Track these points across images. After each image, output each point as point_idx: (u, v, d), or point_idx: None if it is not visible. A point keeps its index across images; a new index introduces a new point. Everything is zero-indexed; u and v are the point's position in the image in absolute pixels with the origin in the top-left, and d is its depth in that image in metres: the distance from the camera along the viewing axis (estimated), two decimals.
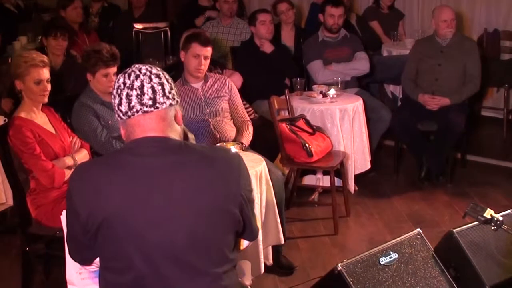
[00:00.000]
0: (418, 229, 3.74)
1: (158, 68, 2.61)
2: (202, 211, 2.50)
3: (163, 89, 2.55)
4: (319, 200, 6.47)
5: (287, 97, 6.18)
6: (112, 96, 2.58)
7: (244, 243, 2.89)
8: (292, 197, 6.23)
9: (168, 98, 2.55)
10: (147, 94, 2.51)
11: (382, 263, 3.49)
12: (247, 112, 5.91)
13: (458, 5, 9.06)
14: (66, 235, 2.72)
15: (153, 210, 2.46)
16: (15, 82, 4.55)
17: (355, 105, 6.37)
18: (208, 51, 5.38)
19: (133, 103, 2.52)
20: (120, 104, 2.54)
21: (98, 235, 2.50)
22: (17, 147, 4.42)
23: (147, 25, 8.87)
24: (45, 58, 4.63)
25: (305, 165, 5.93)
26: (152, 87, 2.52)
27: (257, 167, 4.60)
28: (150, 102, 2.52)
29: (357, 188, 6.61)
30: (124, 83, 2.54)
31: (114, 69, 4.98)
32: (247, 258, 4.58)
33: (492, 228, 3.52)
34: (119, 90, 2.55)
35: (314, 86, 6.80)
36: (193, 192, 2.49)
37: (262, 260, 4.65)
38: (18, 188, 4.55)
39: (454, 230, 3.75)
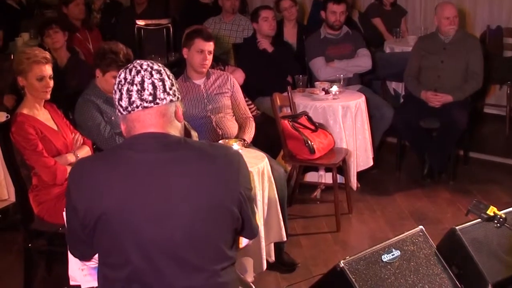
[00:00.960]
0: (421, 226, 3.74)
1: (160, 64, 2.61)
2: (200, 208, 2.49)
3: (164, 85, 2.55)
4: (321, 197, 6.47)
5: (290, 94, 6.18)
6: (113, 91, 2.59)
7: (243, 242, 2.88)
8: (294, 194, 6.23)
9: (168, 94, 2.56)
10: (148, 89, 2.52)
11: (384, 260, 3.49)
12: (249, 108, 5.90)
13: (461, 2, 9.04)
14: (66, 231, 2.72)
15: (150, 206, 2.46)
16: (17, 78, 4.55)
17: (357, 102, 6.36)
18: (211, 45, 5.38)
19: (133, 98, 2.52)
20: (120, 99, 2.55)
21: (96, 230, 2.50)
22: (19, 144, 4.42)
23: (149, 22, 8.87)
24: (47, 54, 4.63)
25: (307, 162, 5.93)
26: (153, 83, 2.53)
27: (259, 164, 4.60)
28: (150, 98, 2.52)
29: (359, 185, 6.61)
30: (125, 78, 2.54)
31: None
32: (249, 255, 4.59)
33: (495, 225, 3.51)
34: (120, 85, 2.55)
35: (317, 83, 6.80)
36: (192, 188, 2.49)
37: (264, 257, 4.65)
38: (21, 185, 4.56)
39: (457, 228, 3.74)
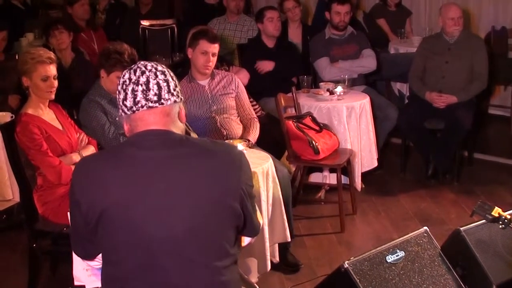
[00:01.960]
0: (425, 227, 3.73)
1: (163, 66, 2.64)
2: (201, 204, 2.51)
3: (168, 86, 2.57)
4: (325, 197, 6.47)
5: (294, 94, 6.18)
6: (117, 92, 2.60)
7: (246, 240, 2.88)
8: (298, 194, 6.22)
9: (172, 95, 2.58)
10: (153, 89, 2.54)
11: (388, 261, 3.49)
12: (254, 109, 5.90)
13: (465, 3, 9.04)
14: (70, 229, 2.73)
15: (152, 203, 2.48)
16: (22, 78, 4.56)
17: (362, 103, 6.36)
18: (216, 47, 5.37)
19: (138, 98, 2.54)
20: (125, 99, 2.56)
21: (98, 226, 2.52)
22: (24, 144, 4.42)
23: (154, 22, 8.90)
24: (52, 54, 4.63)
25: (311, 163, 5.93)
26: (158, 83, 2.55)
27: (263, 164, 4.60)
28: (155, 98, 2.54)
29: (363, 186, 6.60)
30: (130, 79, 2.56)
31: None
32: (253, 255, 4.59)
33: (500, 226, 3.50)
34: (124, 86, 2.57)
35: (321, 83, 6.80)
36: (193, 185, 2.50)
37: (268, 257, 4.65)
38: (25, 185, 4.56)
39: (461, 228, 3.74)
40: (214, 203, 2.52)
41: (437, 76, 6.77)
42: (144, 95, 2.53)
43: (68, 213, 2.70)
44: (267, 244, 4.60)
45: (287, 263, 5.13)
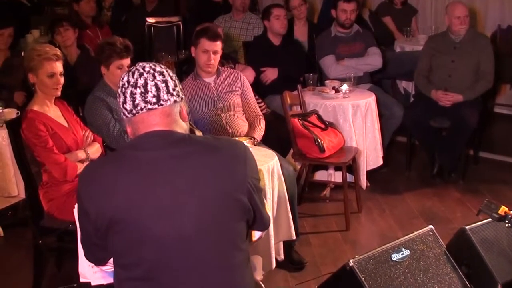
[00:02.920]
0: (430, 226, 3.72)
1: (162, 66, 2.63)
2: (208, 201, 2.50)
3: (167, 86, 2.56)
4: (330, 195, 6.47)
5: (300, 92, 6.17)
6: (117, 95, 2.61)
7: (256, 235, 2.88)
8: (303, 192, 6.23)
9: (172, 95, 2.57)
10: (151, 91, 2.54)
11: (394, 259, 3.48)
12: (260, 107, 5.90)
13: (471, 1, 9.02)
14: (79, 236, 2.75)
15: (160, 203, 2.47)
16: (28, 75, 4.57)
17: (367, 101, 6.36)
18: (217, 45, 5.35)
19: (137, 101, 2.54)
20: (125, 102, 2.57)
21: (108, 232, 2.51)
22: (29, 140, 4.43)
23: (160, 19, 8.89)
24: (58, 51, 4.64)
25: (317, 161, 5.92)
26: (156, 85, 2.54)
27: (269, 162, 4.60)
28: (154, 100, 2.54)
29: (369, 184, 6.60)
30: (128, 82, 2.56)
31: (127, 61, 5.00)
32: (258, 253, 4.58)
33: (506, 225, 3.50)
34: (123, 89, 2.57)
35: (327, 81, 6.80)
36: (199, 182, 2.50)
37: (273, 255, 4.65)
38: (30, 181, 4.57)
39: (467, 227, 3.73)
40: (222, 198, 2.52)
41: (443, 74, 6.76)
42: (143, 98, 2.53)
43: (74, 211, 2.71)
44: (272, 241, 4.61)
45: (292, 261, 5.13)
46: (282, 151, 5.56)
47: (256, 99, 5.88)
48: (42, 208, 4.54)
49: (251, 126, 5.52)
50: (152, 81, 2.54)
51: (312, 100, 6.38)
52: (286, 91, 6.03)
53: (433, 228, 3.72)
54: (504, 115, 8.86)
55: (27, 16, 9.45)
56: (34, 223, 4.56)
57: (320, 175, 6.59)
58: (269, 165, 4.57)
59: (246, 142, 4.82)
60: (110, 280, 2.78)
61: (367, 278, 3.37)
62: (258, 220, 2.73)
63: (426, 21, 9.77)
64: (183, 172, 2.50)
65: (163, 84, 2.56)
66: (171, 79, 2.59)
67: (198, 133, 4.73)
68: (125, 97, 2.56)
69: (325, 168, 6.49)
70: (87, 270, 2.90)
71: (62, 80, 4.57)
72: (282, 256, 4.97)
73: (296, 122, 5.82)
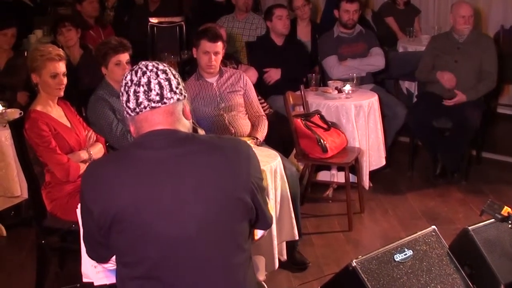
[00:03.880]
0: (433, 226, 3.72)
1: (165, 64, 2.64)
2: (211, 200, 2.51)
3: (170, 84, 2.57)
4: (333, 196, 6.47)
5: (302, 92, 6.17)
6: (120, 94, 2.61)
7: (258, 233, 2.88)
8: (306, 193, 6.22)
9: (175, 93, 2.57)
10: (154, 90, 2.54)
11: (396, 260, 3.48)
12: (262, 107, 5.90)
13: (475, 2, 9.00)
14: (82, 233, 2.75)
15: (163, 202, 2.48)
16: (31, 75, 4.57)
17: (370, 101, 6.36)
18: (217, 46, 5.35)
19: (140, 100, 2.54)
20: (128, 101, 2.57)
21: (111, 230, 2.52)
22: (32, 140, 4.43)
23: (163, 19, 8.89)
24: (61, 51, 4.64)
25: (319, 161, 5.92)
26: (159, 83, 2.55)
27: (272, 162, 4.60)
28: (157, 98, 2.54)
29: (371, 185, 6.60)
30: (131, 80, 2.57)
31: (125, 56, 5.00)
32: (261, 253, 4.58)
33: (509, 226, 3.50)
34: (126, 87, 2.58)
35: (330, 81, 6.80)
36: (202, 182, 2.51)
37: (276, 255, 4.65)
38: (33, 181, 4.57)
39: (469, 228, 3.73)
40: (225, 198, 2.53)
41: None
42: (146, 96, 2.54)
43: (77, 211, 2.71)
44: (275, 242, 4.60)
45: (294, 261, 5.14)
46: (284, 152, 5.56)
47: (259, 99, 5.88)
48: (45, 208, 4.55)
49: (254, 126, 5.51)
50: (155, 79, 2.55)
51: (315, 101, 6.38)
52: (289, 91, 6.03)
53: (436, 228, 3.72)
54: (507, 116, 8.86)
55: (30, 17, 9.46)
56: (37, 223, 4.57)
57: (323, 176, 6.59)
58: (271, 165, 4.57)
59: (249, 142, 4.82)
60: (113, 280, 2.78)
61: (370, 278, 3.37)
62: (260, 219, 2.73)
63: (429, 21, 9.77)
64: (187, 172, 2.50)
65: (166, 82, 2.56)
66: (174, 77, 2.60)
67: (201, 131, 4.74)
68: (128, 95, 2.56)
69: (328, 168, 6.48)
70: (90, 270, 2.90)
71: (65, 80, 4.58)
72: (285, 257, 4.97)
73: (299, 122, 5.82)
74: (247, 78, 5.68)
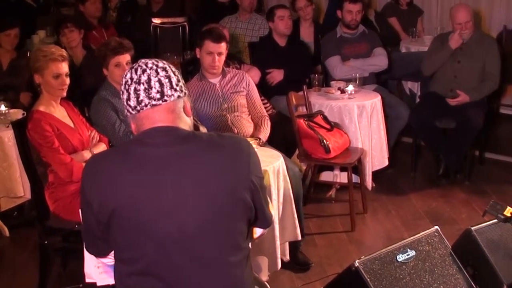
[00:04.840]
0: (436, 227, 3.73)
1: (165, 62, 2.64)
2: (211, 198, 2.51)
3: (170, 81, 2.57)
4: (336, 196, 6.47)
5: (305, 93, 6.17)
6: (121, 92, 2.61)
7: (257, 232, 2.88)
8: (309, 193, 6.23)
9: (175, 90, 2.58)
10: (155, 87, 2.54)
11: (399, 260, 3.48)
12: (265, 107, 5.90)
13: (477, 2, 9.02)
14: (82, 228, 2.74)
15: (162, 199, 2.48)
16: (34, 76, 4.58)
17: (373, 102, 6.36)
18: (221, 47, 5.34)
19: (141, 97, 2.55)
20: (128, 99, 2.57)
21: (110, 225, 2.52)
22: (35, 141, 4.44)
23: (165, 20, 8.89)
24: (64, 52, 4.65)
25: (322, 161, 5.92)
26: (159, 80, 2.55)
27: (274, 162, 4.60)
28: (158, 95, 2.55)
29: (374, 185, 6.59)
30: (132, 78, 2.57)
31: (125, 58, 5.00)
32: (264, 253, 4.59)
33: None
34: (126, 86, 2.58)
35: (332, 82, 6.80)
36: (202, 180, 2.51)
37: (279, 256, 4.65)
38: (36, 182, 4.58)
39: (472, 228, 3.73)
40: (224, 196, 2.53)
41: (449, 75, 6.75)
42: (147, 94, 2.54)
43: (80, 211, 2.71)
44: (278, 242, 4.61)
45: (297, 261, 5.13)
46: (287, 152, 5.56)
47: (262, 100, 5.88)
48: (48, 208, 4.55)
49: (257, 127, 5.51)
50: (155, 77, 2.55)
51: (317, 101, 6.37)
52: (292, 91, 6.03)
53: (439, 229, 3.72)
54: (510, 116, 8.85)
55: (33, 17, 9.47)
56: (40, 223, 4.57)
57: (326, 176, 6.59)
58: (274, 165, 4.57)
59: (252, 143, 4.83)
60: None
61: (372, 279, 3.37)
62: (260, 218, 2.74)
63: (432, 21, 9.76)
64: (187, 170, 2.51)
65: (166, 80, 2.56)
66: (174, 74, 2.60)
67: (203, 129, 4.73)
68: (129, 94, 2.57)
69: (331, 168, 6.49)
70: (92, 270, 2.91)
71: (67, 80, 4.58)
72: (287, 257, 4.98)
73: (302, 122, 5.82)
74: (250, 78, 5.68)
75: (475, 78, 6.68)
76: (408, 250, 3.53)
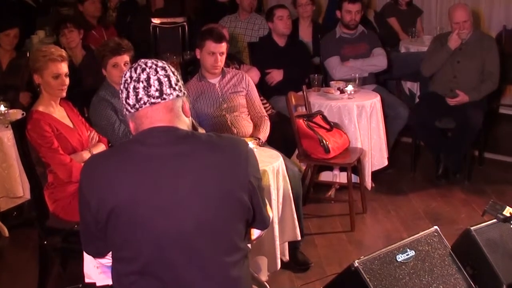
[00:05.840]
0: (435, 227, 3.72)
1: (164, 62, 2.65)
2: (209, 199, 2.52)
3: (169, 81, 2.58)
4: (335, 196, 6.47)
5: (305, 93, 6.17)
6: (120, 91, 2.62)
7: (255, 233, 2.88)
8: (308, 193, 6.22)
9: (174, 89, 2.58)
10: (154, 86, 2.55)
11: (399, 260, 3.48)
12: (265, 107, 5.90)
13: (477, 2, 9.02)
14: (80, 228, 2.74)
15: (161, 199, 2.49)
16: (33, 76, 4.57)
17: (372, 102, 6.36)
18: (222, 47, 5.35)
19: (140, 95, 2.55)
20: (127, 97, 2.58)
21: (108, 224, 2.53)
22: (35, 141, 4.43)
23: (165, 20, 8.89)
24: (63, 52, 4.64)
25: (322, 162, 5.92)
26: (159, 79, 2.56)
27: (274, 163, 4.60)
28: (157, 94, 2.55)
29: (374, 185, 6.60)
30: (131, 77, 2.58)
31: (123, 58, 4.99)
32: (263, 253, 4.59)
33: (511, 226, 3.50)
34: (126, 84, 2.59)
35: (332, 82, 6.80)
36: (200, 180, 2.52)
37: (278, 256, 4.65)
38: (36, 182, 4.58)
39: (472, 228, 3.72)
40: (222, 196, 2.54)
41: (448, 75, 6.75)
42: (146, 92, 2.54)
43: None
44: (277, 242, 4.61)
45: (297, 261, 5.13)
46: (287, 152, 5.56)
47: (261, 100, 5.88)
48: (47, 209, 4.55)
49: (256, 127, 5.51)
50: (154, 75, 2.56)
51: (317, 101, 6.38)
52: (291, 91, 6.03)
53: (438, 229, 3.72)
54: (509, 116, 8.86)
55: (32, 17, 9.47)
56: (39, 223, 4.57)
57: (325, 176, 6.59)
58: (274, 165, 4.57)
59: (251, 143, 4.83)
60: None
61: (372, 278, 3.37)
62: (258, 219, 2.75)
63: (431, 22, 9.77)
64: (185, 170, 2.51)
65: (166, 79, 2.57)
66: (173, 74, 2.61)
67: (201, 130, 4.74)
68: (128, 92, 2.57)
69: (330, 169, 6.49)
70: (92, 270, 2.91)
71: (67, 81, 4.58)
72: (287, 257, 4.98)
73: (301, 123, 5.81)
74: (249, 78, 5.68)
75: (474, 78, 6.68)
76: (408, 250, 3.53)
